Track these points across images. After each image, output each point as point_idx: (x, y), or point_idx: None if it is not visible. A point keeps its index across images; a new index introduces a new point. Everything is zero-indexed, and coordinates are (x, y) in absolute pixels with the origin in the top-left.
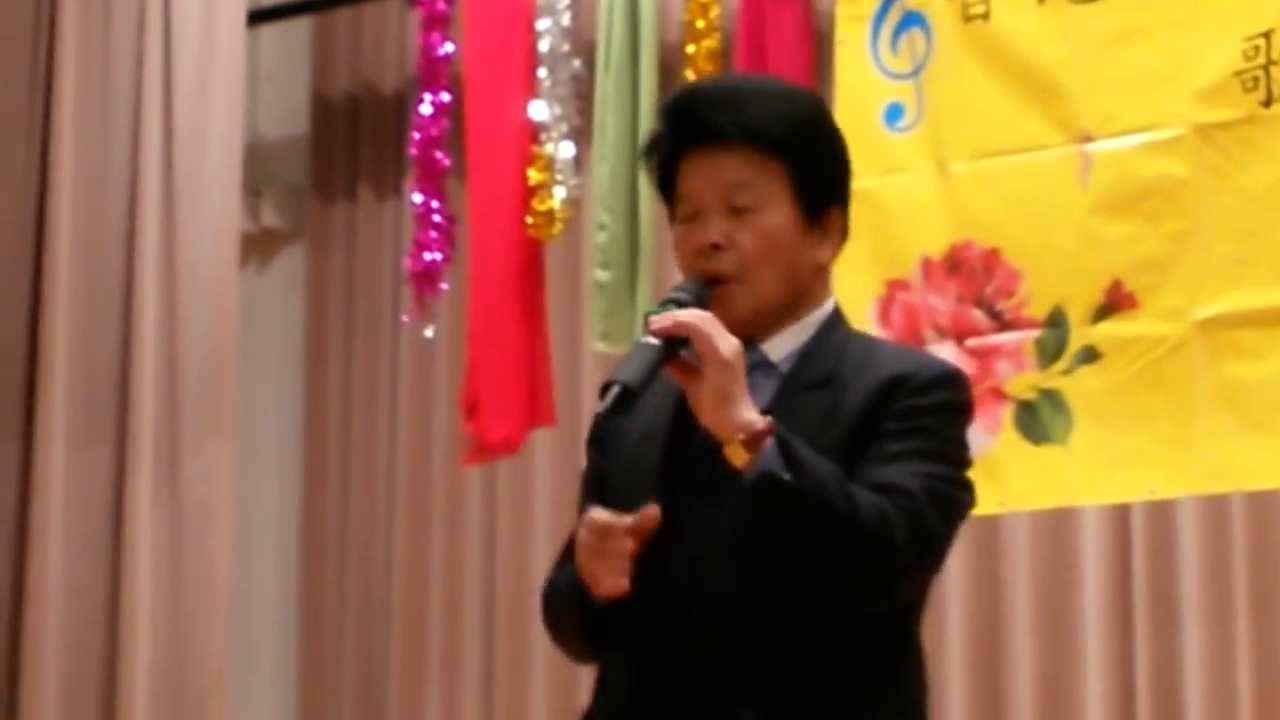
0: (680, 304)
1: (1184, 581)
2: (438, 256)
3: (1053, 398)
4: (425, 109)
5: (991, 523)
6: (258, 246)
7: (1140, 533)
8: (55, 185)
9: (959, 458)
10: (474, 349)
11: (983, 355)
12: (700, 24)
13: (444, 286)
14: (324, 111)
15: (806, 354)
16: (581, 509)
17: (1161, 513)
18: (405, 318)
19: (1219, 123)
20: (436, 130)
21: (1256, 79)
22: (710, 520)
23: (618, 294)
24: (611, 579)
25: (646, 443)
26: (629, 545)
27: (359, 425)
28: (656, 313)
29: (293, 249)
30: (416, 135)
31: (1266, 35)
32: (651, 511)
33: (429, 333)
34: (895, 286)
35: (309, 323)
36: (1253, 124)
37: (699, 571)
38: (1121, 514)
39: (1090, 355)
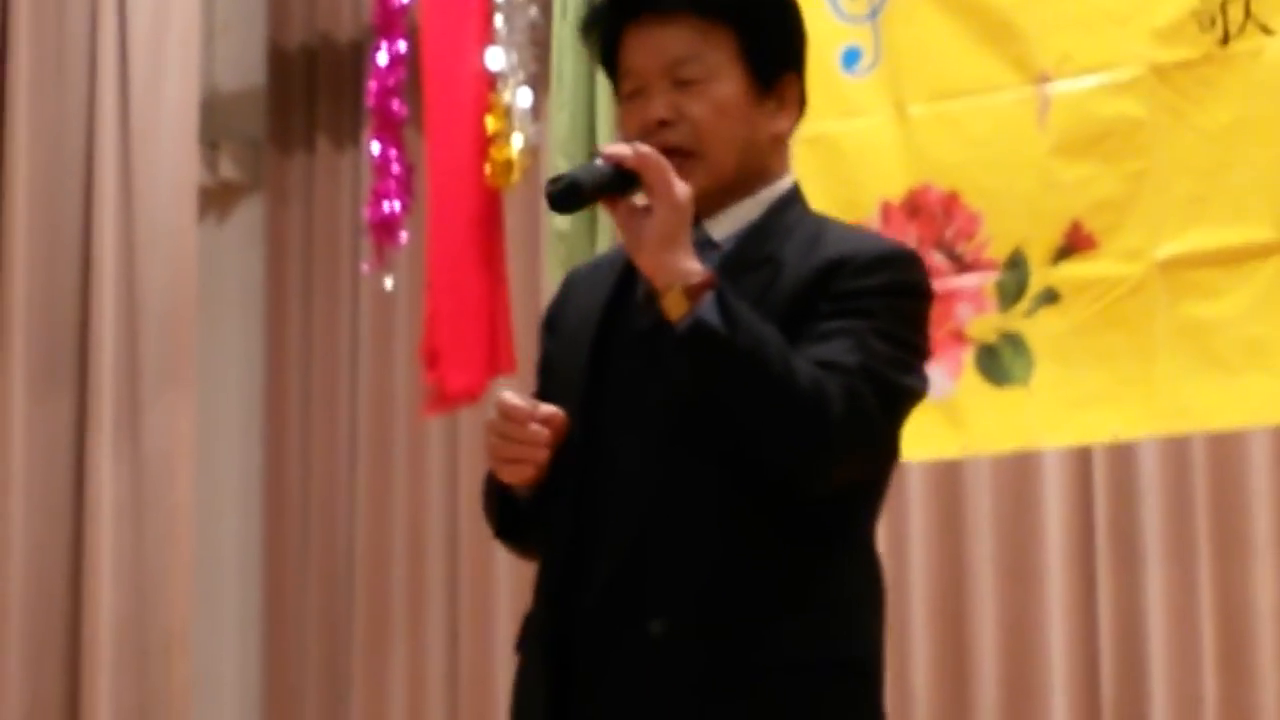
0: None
1: (1146, 522)
2: (396, 206)
3: (1014, 340)
4: (382, 58)
5: (953, 467)
6: (216, 199)
7: (1102, 473)
8: (11, 139)
9: (907, 340)
10: (434, 298)
11: (943, 298)
12: None
13: (403, 236)
14: (280, 62)
15: (751, 233)
16: (535, 397)
17: (1123, 454)
18: (365, 268)
19: (1176, 62)
20: (393, 80)
21: (1213, 18)
22: (640, 405)
23: (577, 242)
24: (514, 467)
25: (584, 325)
26: (540, 434)
27: (320, 376)
28: (598, 154)
29: (251, 201)
30: (373, 85)
31: None
32: (557, 413)
33: (388, 283)
34: None
35: (268, 274)
36: (1210, 63)
37: (624, 462)
38: (1083, 455)
39: (1050, 296)
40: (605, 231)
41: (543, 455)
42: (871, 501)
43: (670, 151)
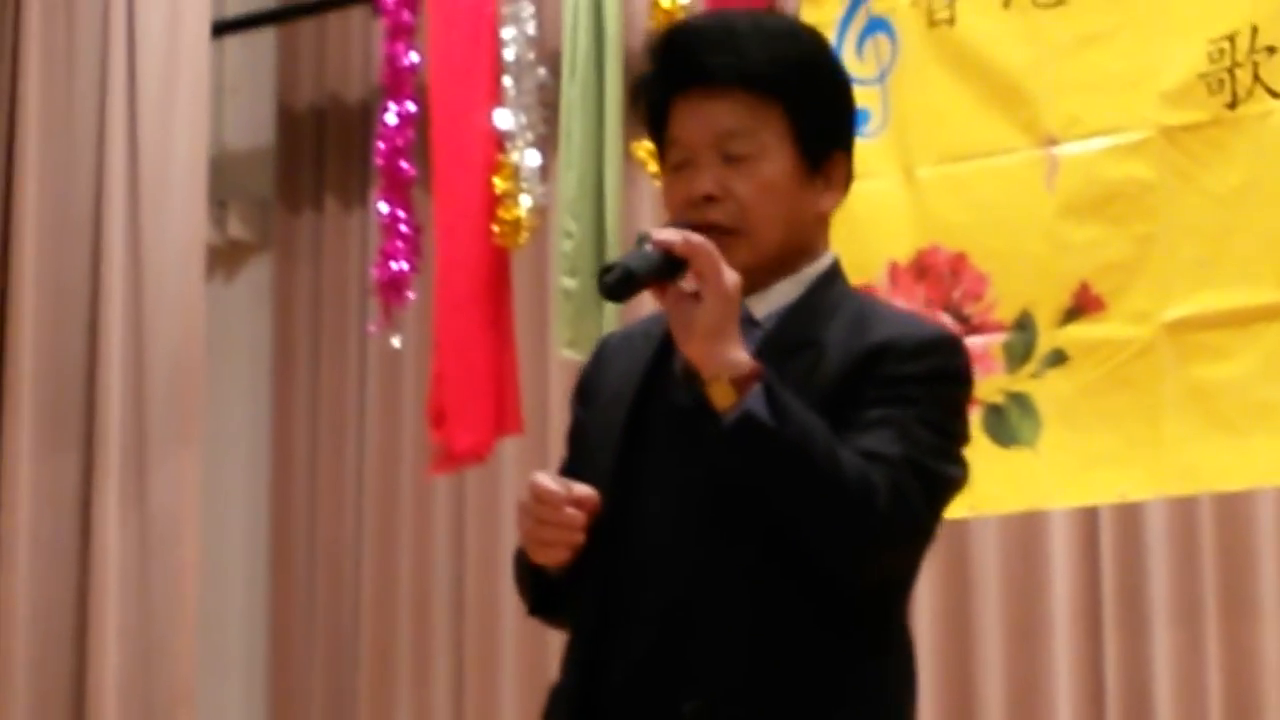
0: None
1: (1153, 583)
2: (404, 266)
3: (1021, 401)
4: (390, 119)
5: (960, 526)
6: (224, 258)
7: (1109, 535)
8: (20, 197)
9: (949, 428)
10: (441, 358)
11: None
12: None
13: (411, 296)
14: (289, 122)
15: (793, 312)
16: (564, 467)
17: (1130, 515)
18: (372, 327)
19: (1184, 125)
20: (402, 140)
21: (1222, 81)
22: (677, 481)
23: (584, 302)
24: (547, 549)
25: (618, 398)
26: (575, 518)
27: (327, 435)
28: (647, 238)
29: (259, 260)
30: (382, 145)
31: (1231, 38)
32: (591, 495)
33: (396, 342)
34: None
35: (276, 333)
36: (1218, 126)
37: (659, 537)
38: (1090, 516)
39: (1058, 358)
40: None
41: (577, 539)
42: (907, 589)
43: (714, 228)
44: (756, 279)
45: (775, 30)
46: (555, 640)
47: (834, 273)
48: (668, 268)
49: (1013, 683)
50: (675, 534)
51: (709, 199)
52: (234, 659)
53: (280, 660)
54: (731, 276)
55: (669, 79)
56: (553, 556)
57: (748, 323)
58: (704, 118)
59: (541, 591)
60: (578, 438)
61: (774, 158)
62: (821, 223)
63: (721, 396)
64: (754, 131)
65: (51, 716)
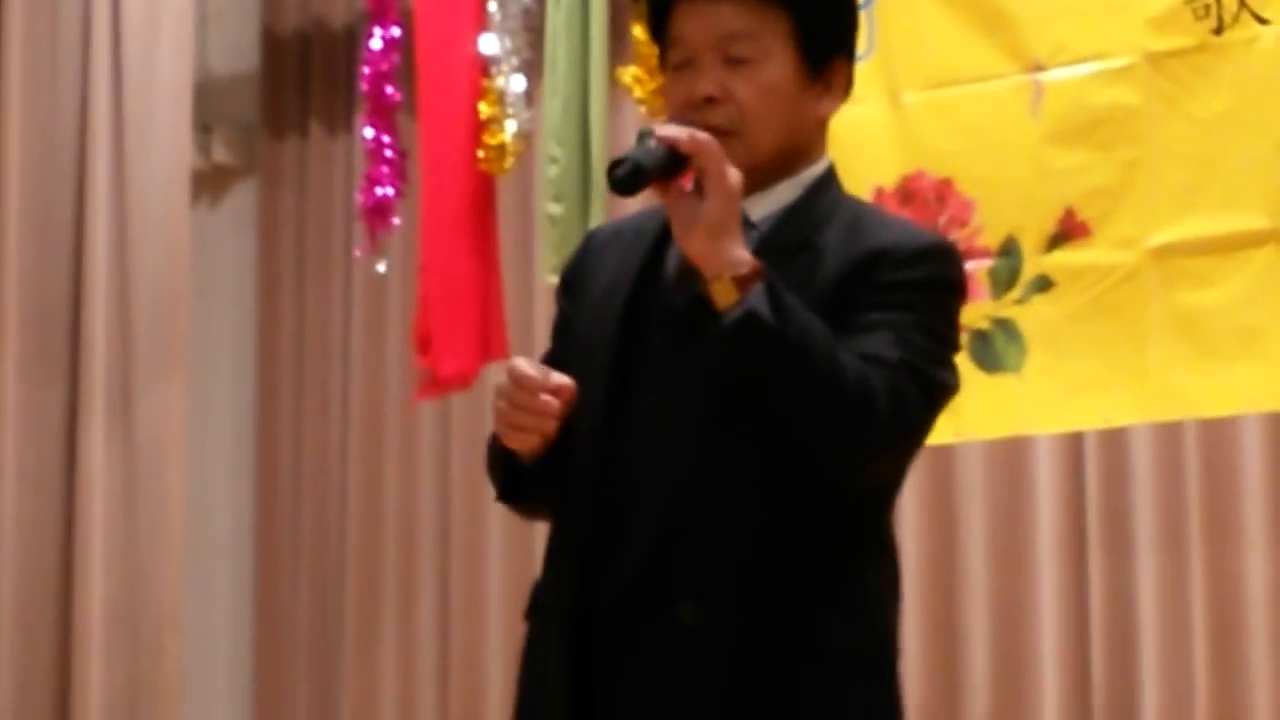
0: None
1: (1138, 507)
2: (389, 191)
3: (1007, 327)
4: (375, 44)
5: (946, 451)
6: (209, 183)
7: (1094, 459)
8: (4, 124)
9: (944, 335)
10: (426, 284)
11: None
12: None
13: (396, 221)
14: (274, 47)
15: (789, 215)
16: (547, 358)
17: (1115, 439)
18: (357, 253)
19: (1170, 51)
20: (387, 65)
21: (1208, 7)
22: (672, 378)
23: (570, 227)
24: (520, 435)
25: (609, 295)
26: (550, 404)
27: (312, 360)
28: (650, 133)
29: (244, 185)
30: (367, 70)
31: None
32: (569, 384)
33: (381, 267)
34: None
35: (261, 259)
36: (1204, 52)
37: (652, 435)
38: (1075, 441)
39: (1044, 284)
40: (598, 218)
41: (550, 426)
42: (894, 495)
43: (713, 130)
44: (753, 181)
45: None
46: (540, 563)
47: (830, 177)
48: (671, 164)
49: (998, 606)
50: (671, 433)
51: (709, 100)
52: (220, 586)
53: (266, 587)
54: (735, 175)
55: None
56: (525, 442)
57: (744, 224)
58: (707, 18)
59: (512, 477)
60: (562, 331)
61: (776, 61)
62: (820, 127)
63: (723, 294)
64: (757, 34)
65: (39, 647)
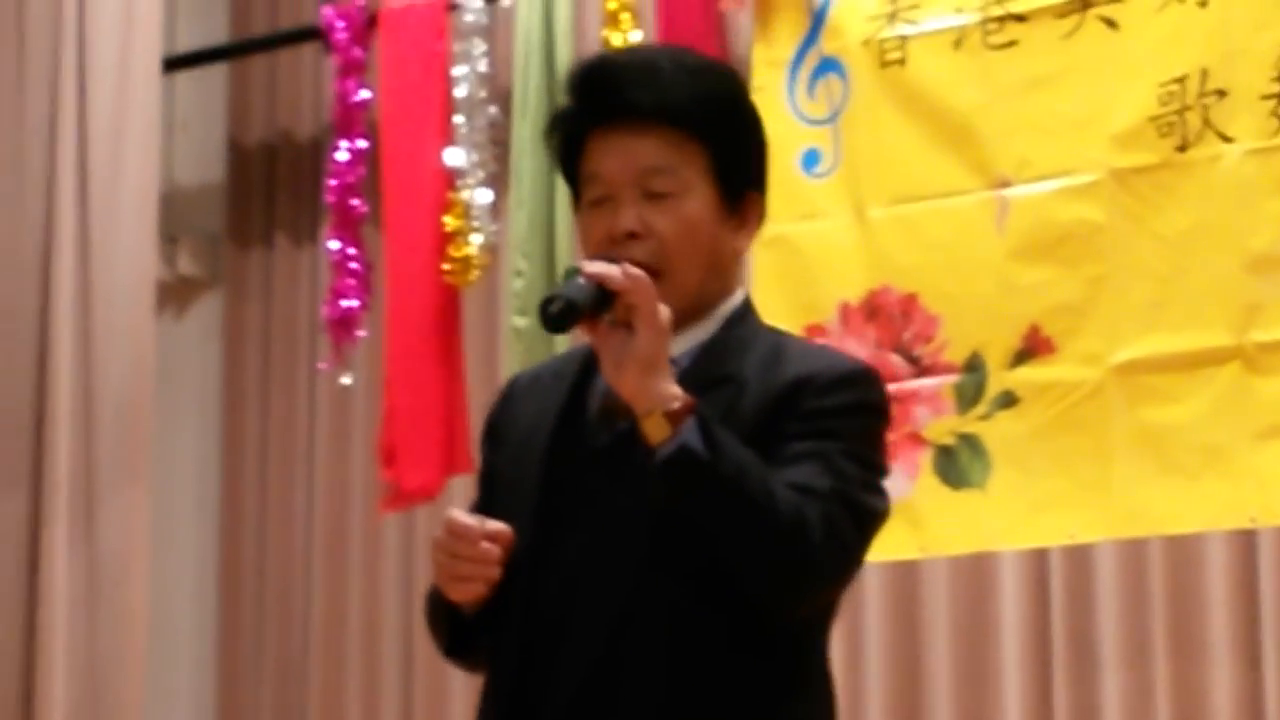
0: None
1: (1103, 625)
2: (355, 303)
3: (971, 442)
4: (341, 155)
5: (911, 568)
6: (174, 294)
7: (1059, 576)
8: None
9: (872, 460)
10: (391, 396)
11: (901, 400)
12: None
13: (361, 333)
14: (240, 159)
15: (709, 349)
16: (475, 508)
17: (1080, 556)
18: (322, 365)
19: (1135, 168)
20: (353, 177)
21: (1172, 124)
22: (598, 516)
23: (535, 340)
24: (462, 585)
25: (531, 440)
26: (491, 551)
27: (277, 473)
28: (578, 271)
29: (210, 296)
30: (333, 182)
31: (1181, 80)
32: (506, 530)
33: (346, 380)
34: (813, 332)
35: (226, 370)
36: (1168, 169)
37: (581, 572)
38: (1040, 558)
39: (1008, 400)
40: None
41: (494, 573)
42: (828, 624)
43: (636, 265)
44: (675, 317)
45: (696, 67)
46: None
47: (746, 309)
48: (600, 300)
49: None
50: (601, 570)
51: (631, 236)
52: (182, 697)
53: (228, 699)
54: (665, 311)
55: (589, 112)
56: (469, 591)
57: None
58: (626, 153)
59: (456, 632)
60: (488, 479)
61: (696, 195)
62: (736, 260)
63: (656, 430)
64: (676, 169)
65: None
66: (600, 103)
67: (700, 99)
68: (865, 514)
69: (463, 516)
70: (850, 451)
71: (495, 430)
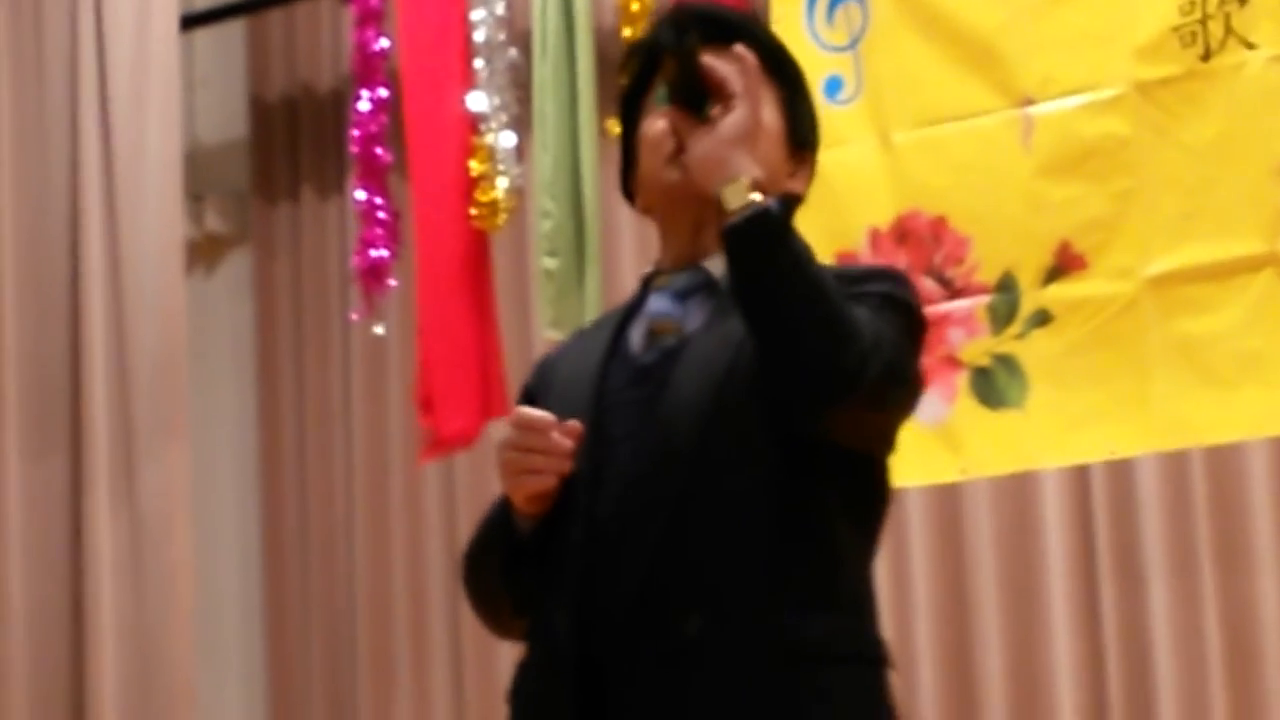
0: None
1: (1147, 537)
2: (384, 253)
3: (1007, 362)
4: (363, 106)
5: (953, 490)
6: (203, 252)
7: (1101, 491)
8: None
9: (907, 349)
10: (425, 343)
11: (935, 323)
12: (635, 7)
13: (392, 282)
14: (262, 114)
15: None
16: None
17: (1122, 471)
18: (355, 315)
19: (1159, 79)
20: (376, 126)
21: (1194, 33)
22: (650, 425)
23: (566, 281)
24: (533, 479)
25: (578, 375)
26: (563, 443)
27: (314, 425)
28: (694, 49)
29: (238, 253)
30: (356, 132)
31: None
32: (576, 425)
33: (379, 329)
34: (844, 258)
35: (259, 325)
36: (1192, 79)
37: (635, 472)
38: (1081, 474)
39: (1042, 318)
40: (594, 271)
41: (567, 466)
42: (875, 531)
43: None
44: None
45: (769, 31)
46: None
47: None
48: (700, 95)
49: (1011, 644)
50: (655, 470)
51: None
52: (231, 655)
53: (277, 654)
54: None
55: (688, 33)
56: (539, 484)
57: (709, 286)
58: None
59: (509, 562)
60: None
61: (772, 117)
62: None
63: (736, 196)
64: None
65: (52, 719)
66: (700, 29)
67: (777, 54)
68: (907, 366)
69: (534, 410)
70: (891, 328)
71: (534, 391)
